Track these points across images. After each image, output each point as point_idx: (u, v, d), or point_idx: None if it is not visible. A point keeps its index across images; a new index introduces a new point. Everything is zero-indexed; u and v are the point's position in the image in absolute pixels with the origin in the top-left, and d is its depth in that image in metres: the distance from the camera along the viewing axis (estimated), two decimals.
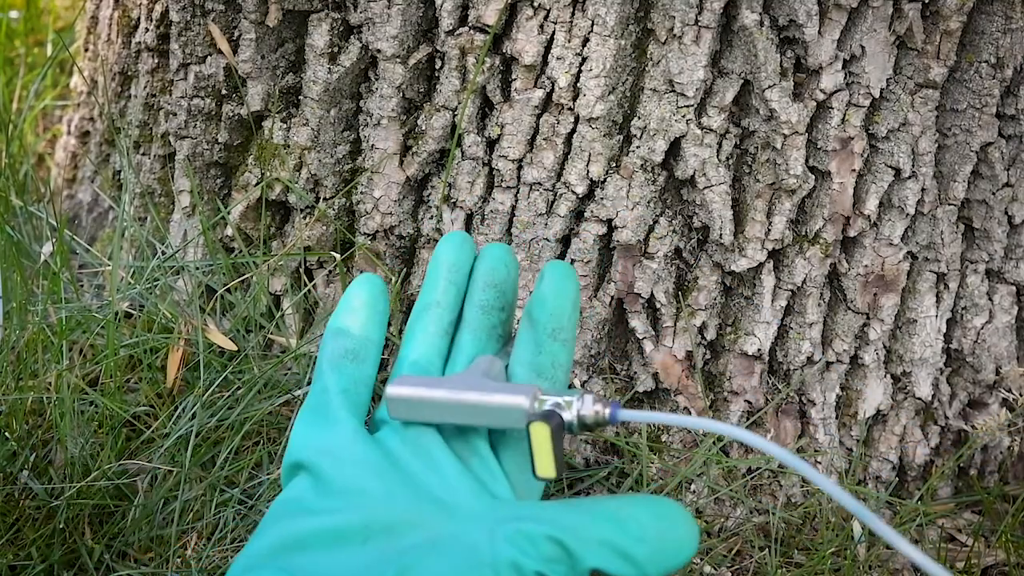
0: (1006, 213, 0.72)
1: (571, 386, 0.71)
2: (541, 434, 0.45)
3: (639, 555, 0.41)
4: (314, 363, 0.72)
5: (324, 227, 0.73)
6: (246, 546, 0.45)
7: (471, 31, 0.67)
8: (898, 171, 0.69)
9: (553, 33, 0.65)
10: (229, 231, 0.75)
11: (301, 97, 0.71)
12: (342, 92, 0.70)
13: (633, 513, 0.42)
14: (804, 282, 0.70)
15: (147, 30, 0.78)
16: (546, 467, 0.46)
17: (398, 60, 0.68)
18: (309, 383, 0.70)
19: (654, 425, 0.72)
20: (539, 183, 0.68)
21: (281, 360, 0.71)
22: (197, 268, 0.75)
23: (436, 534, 0.43)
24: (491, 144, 0.69)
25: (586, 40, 0.65)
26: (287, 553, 0.43)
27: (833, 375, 0.73)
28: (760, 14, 0.64)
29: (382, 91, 0.69)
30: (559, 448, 0.45)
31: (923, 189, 0.70)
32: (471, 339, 0.52)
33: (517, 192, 0.69)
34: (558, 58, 0.66)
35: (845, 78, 0.66)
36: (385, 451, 0.48)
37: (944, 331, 0.74)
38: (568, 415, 0.46)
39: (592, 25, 0.64)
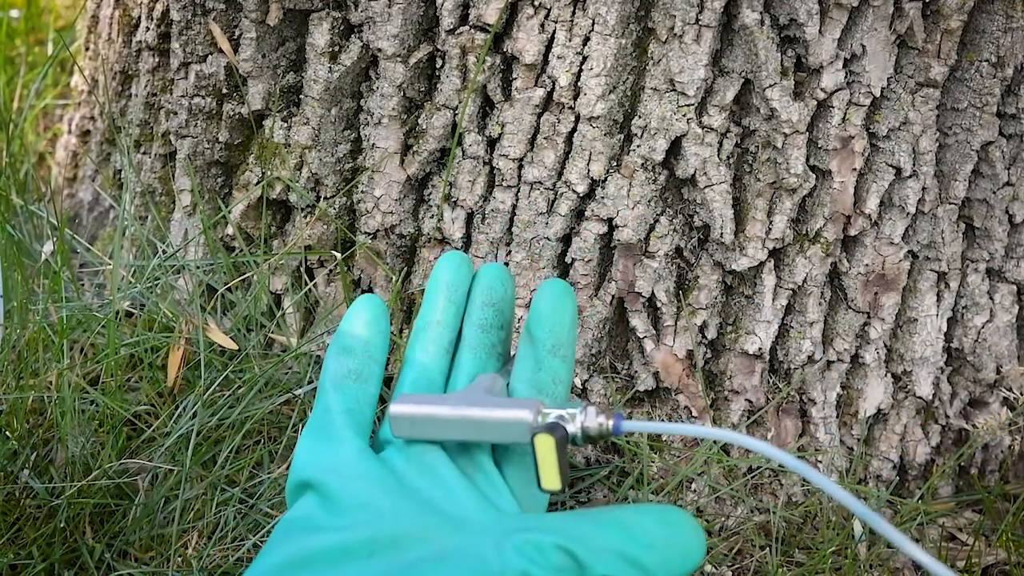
0: (1007, 212, 0.72)
1: (571, 387, 0.71)
2: (546, 447, 0.45)
3: (648, 562, 0.41)
4: (314, 362, 0.72)
5: (325, 226, 0.73)
6: (252, 564, 0.45)
7: (472, 30, 0.67)
8: (899, 170, 0.69)
9: (554, 32, 0.65)
10: (230, 230, 0.75)
11: (302, 96, 0.71)
12: (343, 91, 0.70)
13: (640, 521, 0.42)
14: (805, 281, 0.70)
15: (148, 29, 0.78)
16: (551, 479, 0.46)
17: (399, 59, 0.68)
18: (310, 382, 0.71)
19: None
20: (540, 182, 0.68)
21: (282, 359, 0.71)
22: (198, 267, 0.75)
23: (443, 547, 0.43)
24: (492, 143, 0.69)
25: (587, 39, 0.65)
26: (294, 571, 0.43)
27: (834, 374, 0.73)
28: (761, 13, 0.64)
29: (383, 90, 0.69)
30: (563, 460, 0.45)
31: (924, 188, 0.70)
32: (471, 358, 0.52)
33: (518, 191, 0.69)
34: (559, 57, 0.66)
35: (846, 77, 0.66)
36: (390, 468, 0.48)
37: (945, 330, 0.74)
38: (572, 427, 0.46)
39: (593, 24, 0.64)
